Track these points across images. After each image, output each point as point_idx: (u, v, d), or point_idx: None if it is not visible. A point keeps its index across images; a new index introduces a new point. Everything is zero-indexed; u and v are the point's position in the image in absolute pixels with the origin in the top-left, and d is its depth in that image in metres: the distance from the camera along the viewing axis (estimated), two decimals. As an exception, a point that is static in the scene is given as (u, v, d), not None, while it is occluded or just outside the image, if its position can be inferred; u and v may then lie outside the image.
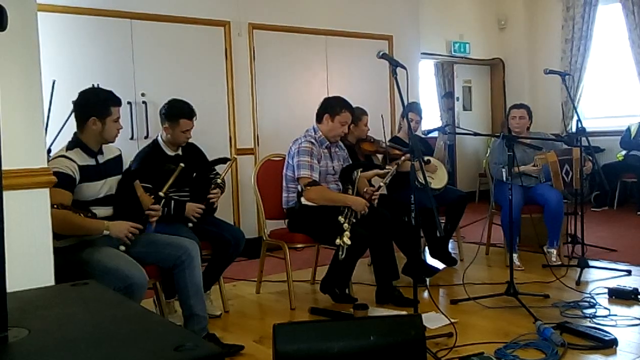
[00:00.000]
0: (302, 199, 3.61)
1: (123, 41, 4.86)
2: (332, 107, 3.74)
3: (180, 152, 3.52)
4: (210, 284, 3.49)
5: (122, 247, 2.74)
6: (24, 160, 2.13)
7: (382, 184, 3.80)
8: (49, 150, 3.52)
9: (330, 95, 4.10)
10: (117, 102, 2.81)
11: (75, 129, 2.82)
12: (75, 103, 2.80)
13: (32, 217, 2.16)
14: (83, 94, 2.81)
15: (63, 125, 3.76)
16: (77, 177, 2.66)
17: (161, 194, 3.04)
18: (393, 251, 3.72)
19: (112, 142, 2.86)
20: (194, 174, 3.50)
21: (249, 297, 3.99)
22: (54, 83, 3.92)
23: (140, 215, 2.87)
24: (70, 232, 2.63)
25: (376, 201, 3.71)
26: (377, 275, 3.72)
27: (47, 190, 2.20)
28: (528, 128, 4.65)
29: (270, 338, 2.37)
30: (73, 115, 2.84)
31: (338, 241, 3.33)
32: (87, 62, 4.67)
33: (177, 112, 3.41)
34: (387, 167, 4.09)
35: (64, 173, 2.58)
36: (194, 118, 3.46)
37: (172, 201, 3.31)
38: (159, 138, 3.50)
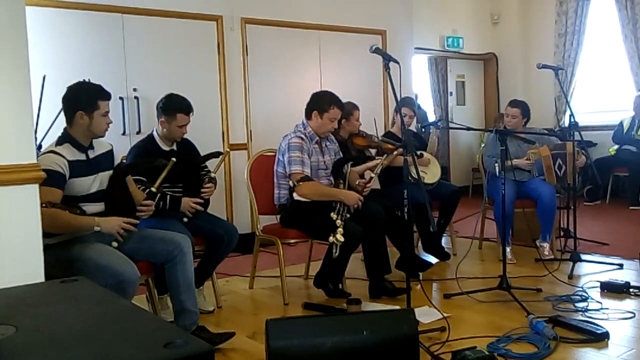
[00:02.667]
0: (295, 195, 3.60)
1: (114, 36, 4.82)
2: (320, 103, 3.72)
3: (174, 147, 3.50)
4: (203, 279, 3.48)
5: (115, 244, 2.72)
6: (13, 156, 2.12)
7: (372, 175, 3.80)
8: (40, 146, 3.50)
9: (320, 90, 4.08)
10: (106, 95, 2.78)
11: (65, 125, 2.79)
12: (63, 97, 2.77)
13: (21, 213, 2.15)
14: (71, 88, 2.78)
15: (54, 121, 3.74)
16: (67, 173, 2.64)
17: (153, 189, 3.01)
18: (385, 246, 3.71)
19: (102, 136, 2.83)
20: (186, 170, 3.48)
21: (242, 293, 3.99)
22: (44, 78, 3.90)
23: (133, 210, 2.85)
24: (60, 230, 2.61)
25: (367, 192, 3.70)
26: (369, 270, 3.72)
27: (36, 186, 2.19)
28: (524, 125, 4.64)
29: (263, 333, 2.37)
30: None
31: (331, 239, 3.32)
32: (78, 57, 4.64)
33: (175, 106, 3.39)
34: (377, 158, 4.08)
35: (52, 170, 2.55)
36: (191, 113, 3.44)
37: (168, 196, 3.29)
38: (154, 132, 3.48)
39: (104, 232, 2.67)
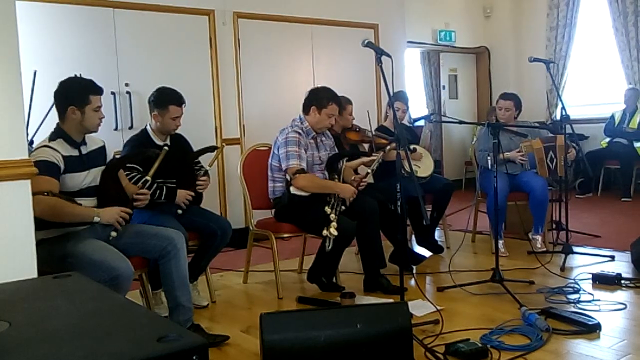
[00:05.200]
0: (292, 188, 3.60)
1: (106, 31, 4.80)
2: (319, 99, 3.72)
3: (168, 141, 3.49)
4: (197, 274, 3.48)
5: (114, 234, 2.72)
6: (4, 152, 2.11)
7: (369, 171, 3.80)
8: (31, 142, 3.48)
9: (316, 86, 4.08)
10: (97, 90, 2.77)
11: (57, 120, 2.78)
12: (55, 93, 2.77)
13: (13, 209, 2.14)
14: (62, 83, 2.77)
15: (45, 117, 3.72)
16: (62, 167, 2.64)
17: (148, 178, 3.01)
18: (380, 240, 3.73)
19: (95, 131, 2.82)
20: (180, 165, 3.47)
21: (236, 287, 3.99)
22: (35, 74, 3.88)
23: (126, 204, 2.84)
24: (62, 219, 2.60)
25: (362, 188, 3.70)
26: (364, 263, 3.73)
27: (28, 182, 2.18)
28: (515, 118, 4.66)
29: (258, 327, 2.37)
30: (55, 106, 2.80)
31: (325, 232, 3.33)
32: (69, 52, 4.61)
33: (167, 98, 3.38)
34: (372, 155, 4.09)
35: (49, 161, 2.56)
36: (183, 105, 3.44)
37: (165, 187, 3.29)
38: (148, 127, 3.47)
39: (104, 222, 2.68)
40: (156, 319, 1.31)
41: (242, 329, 3.10)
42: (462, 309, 3.28)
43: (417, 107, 8.57)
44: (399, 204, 2.90)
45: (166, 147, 3.14)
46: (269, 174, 3.77)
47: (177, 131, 3.51)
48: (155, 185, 3.22)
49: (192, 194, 3.40)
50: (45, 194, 2.31)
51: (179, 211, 3.35)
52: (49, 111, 3.51)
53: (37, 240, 2.26)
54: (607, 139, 7.31)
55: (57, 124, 2.77)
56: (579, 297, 3.34)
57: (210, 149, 3.63)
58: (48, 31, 4.54)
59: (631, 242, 3.95)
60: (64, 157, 2.66)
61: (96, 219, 2.66)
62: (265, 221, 3.86)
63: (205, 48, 5.34)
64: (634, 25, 7.33)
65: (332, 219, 3.36)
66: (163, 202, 3.29)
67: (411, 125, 4.98)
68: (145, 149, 3.21)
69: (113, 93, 4.78)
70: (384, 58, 2.88)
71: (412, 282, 3.84)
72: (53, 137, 2.72)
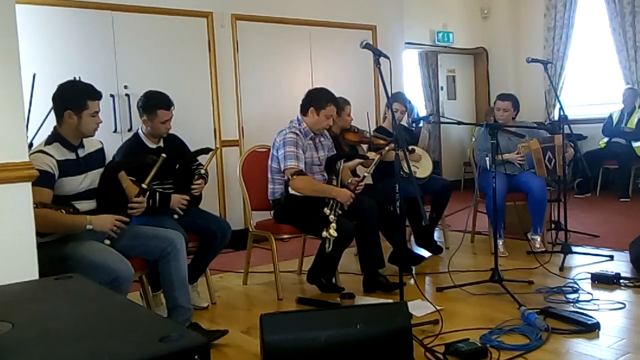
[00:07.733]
0: (290, 189, 3.61)
1: (104, 33, 4.80)
2: (317, 100, 3.73)
3: (161, 144, 3.49)
4: (196, 275, 3.49)
5: (107, 241, 2.71)
6: (4, 155, 2.11)
7: (366, 173, 3.81)
8: (31, 145, 3.48)
9: (314, 87, 4.08)
10: (95, 95, 2.76)
11: (55, 123, 2.78)
12: (53, 96, 2.76)
13: (14, 212, 2.14)
14: (61, 87, 2.76)
15: (44, 119, 3.73)
16: (56, 173, 2.63)
17: (144, 186, 3.00)
18: (379, 240, 3.74)
19: (91, 136, 2.81)
20: (177, 165, 3.48)
21: (236, 289, 3.99)
22: (34, 76, 3.89)
23: (126, 207, 2.84)
24: (52, 230, 2.60)
25: (359, 190, 3.71)
26: (363, 264, 3.74)
27: (29, 184, 2.19)
28: (514, 118, 4.68)
29: (258, 329, 2.38)
30: (53, 109, 2.80)
31: (324, 234, 3.33)
32: (68, 55, 4.62)
33: (154, 103, 3.37)
34: (370, 157, 4.10)
35: (42, 170, 2.52)
36: (172, 108, 3.41)
37: (157, 193, 3.28)
38: (140, 131, 3.46)
39: (97, 229, 2.67)
40: (158, 319, 1.32)
41: (242, 330, 3.10)
42: (461, 309, 3.28)
43: (416, 108, 8.58)
44: (397, 204, 2.91)
45: (164, 155, 3.11)
46: (269, 176, 3.78)
47: (171, 131, 3.50)
48: (148, 193, 3.20)
49: (187, 197, 3.39)
50: (35, 205, 2.30)
51: (175, 216, 3.34)
52: (48, 114, 3.51)
53: (37, 244, 2.26)
54: (605, 139, 7.32)
55: (55, 127, 2.76)
56: (578, 297, 3.35)
57: (205, 150, 3.63)
58: (47, 34, 4.54)
59: (630, 242, 3.97)
60: (59, 161, 2.65)
61: (89, 227, 2.64)
62: (265, 222, 3.87)
63: (204, 50, 5.34)
64: (631, 26, 7.35)
65: (331, 220, 3.36)
66: (158, 208, 3.27)
67: (411, 127, 4.99)
68: (144, 155, 3.19)
69: (112, 95, 4.78)
70: (382, 59, 2.89)
71: (412, 282, 3.85)
72: (49, 140, 2.71)
